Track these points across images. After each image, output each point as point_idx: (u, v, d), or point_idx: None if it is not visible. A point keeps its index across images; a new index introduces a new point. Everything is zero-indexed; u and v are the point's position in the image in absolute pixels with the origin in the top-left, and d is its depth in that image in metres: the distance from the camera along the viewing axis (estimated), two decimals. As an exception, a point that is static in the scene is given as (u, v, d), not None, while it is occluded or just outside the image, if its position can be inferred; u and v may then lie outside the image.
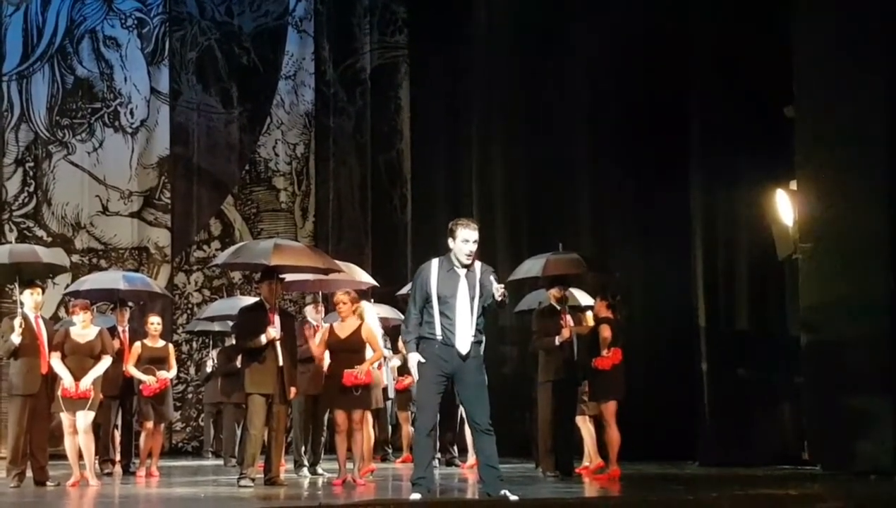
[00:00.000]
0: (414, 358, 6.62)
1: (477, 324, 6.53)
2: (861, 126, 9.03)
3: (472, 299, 6.49)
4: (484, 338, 6.63)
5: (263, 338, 8.36)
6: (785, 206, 10.04)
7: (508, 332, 13.28)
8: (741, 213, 10.61)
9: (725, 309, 10.73)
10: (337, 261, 9.85)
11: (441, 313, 6.48)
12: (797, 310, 9.68)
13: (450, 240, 6.60)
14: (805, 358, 9.44)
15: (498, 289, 6.43)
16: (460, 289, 6.49)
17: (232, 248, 9.69)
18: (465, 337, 6.48)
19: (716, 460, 10.26)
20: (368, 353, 8.79)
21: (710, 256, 10.81)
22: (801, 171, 9.54)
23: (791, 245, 9.88)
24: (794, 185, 9.81)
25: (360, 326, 8.72)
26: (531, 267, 9.72)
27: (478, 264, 6.61)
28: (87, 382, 8.86)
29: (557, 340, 9.19)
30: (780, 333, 10.42)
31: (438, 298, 6.49)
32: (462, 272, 6.54)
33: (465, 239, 6.52)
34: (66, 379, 8.83)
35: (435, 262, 6.64)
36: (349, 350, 8.65)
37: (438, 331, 6.49)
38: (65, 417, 8.92)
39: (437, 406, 6.64)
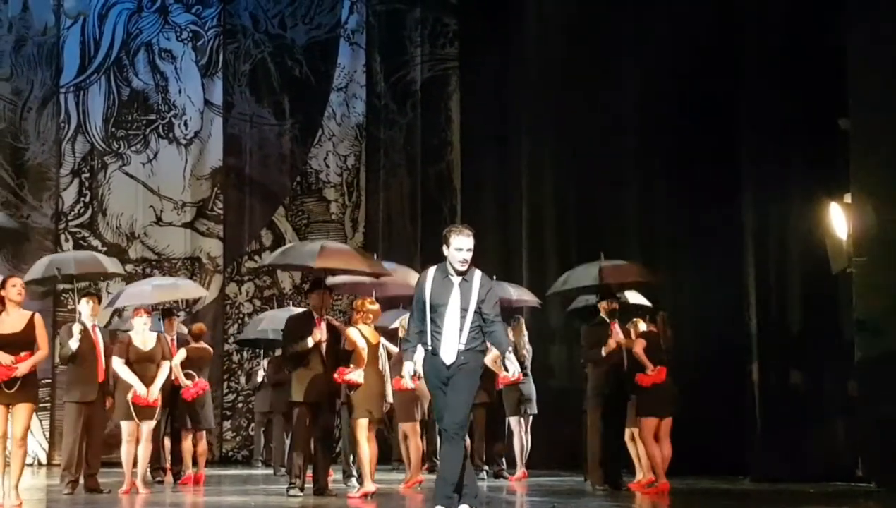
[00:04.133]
0: (408, 367, 6.46)
1: (472, 333, 6.24)
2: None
3: (463, 309, 6.23)
4: (484, 346, 6.34)
5: (310, 341, 8.36)
6: (839, 220, 9.91)
7: (556, 344, 13.24)
8: (794, 227, 10.48)
9: (778, 324, 10.60)
10: (391, 264, 9.90)
11: (432, 321, 6.26)
12: (851, 325, 9.55)
13: (444, 248, 6.34)
14: (860, 373, 9.30)
15: (511, 369, 6.29)
16: (452, 298, 6.25)
17: (280, 249, 9.81)
18: (450, 347, 6.21)
19: (767, 475, 10.13)
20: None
21: (762, 270, 10.69)
22: (855, 184, 9.41)
23: (845, 259, 9.75)
24: (848, 198, 9.68)
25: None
26: (585, 273, 9.65)
27: (477, 274, 6.34)
28: (155, 391, 9.01)
29: (604, 351, 9.15)
30: (834, 347, 10.26)
31: (431, 306, 6.27)
32: (456, 280, 6.29)
33: (458, 247, 6.26)
34: (139, 387, 8.95)
35: (432, 270, 6.42)
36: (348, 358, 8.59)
37: (428, 340, 6.29)
38: (127, 425, 9.01)
39: None
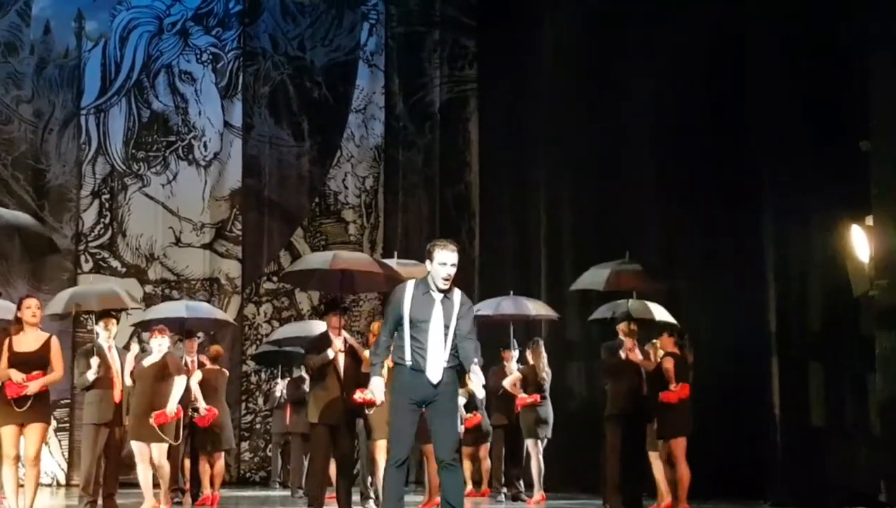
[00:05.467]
0: (376, 383, 6.36)
1: (452, 350, 6.15)
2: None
3: (446, 326, 6.12)
4: (458, 363, 6.22)
5: (330, 352, 8.34)
6: (861, 242, 9.84)
7: (575, 367, 13.18)
8: (815, 249, 10.40)
9: (798, 347, 10.52)
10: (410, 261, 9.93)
11: (412, 337, 6.12)
12: (873, 348, 9.46)
13: (427, 263, 6.20)
14: (881, 397, 9.20)
15: (476, 381, 6.14)
16: (434, 315, 6.12)
17: (293, 263, 9.84)
18: (436, 364, 6.09)
19: (788, 500, 10.03)
20: None
21: (782, 293, 10.62)
22: (877, 206, 9.34)
23: (867, 281, 9.66)
24: (870, 221, 9.61)
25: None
26: (594, 278, 9.65)
27: (457, 292, 6.24)
28: (172, 408, 8.88)
29: (622, 352, 9.09)
30: (855, 371, 10.18)
31: (411, 322, 6.13)
32: (438, 297, 6.16)
33: (442, 261, 6.12)
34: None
35: (411, 284, 6.27)
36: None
37: (408, 357, 6.13)
38: (137, 446, 8.95)
39: (412, 436, 6.22)
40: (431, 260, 6.18)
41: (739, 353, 11.15)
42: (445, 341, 6.12)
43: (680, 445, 8.96)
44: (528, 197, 14.66)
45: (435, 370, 6.10)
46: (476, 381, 6.17)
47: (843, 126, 9.97)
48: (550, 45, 14.33)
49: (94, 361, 8.77)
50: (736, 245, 11.25)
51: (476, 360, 6.24)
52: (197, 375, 10.23)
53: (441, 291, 6.16)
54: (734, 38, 11.33)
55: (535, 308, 11.78)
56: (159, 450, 8.97)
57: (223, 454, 10.63)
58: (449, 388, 6.16)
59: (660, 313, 10.24)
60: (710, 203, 11.71)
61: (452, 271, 6.16)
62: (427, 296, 6.17)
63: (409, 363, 6.13)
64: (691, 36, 11.92)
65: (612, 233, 12.74)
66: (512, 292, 11.99)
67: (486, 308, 11.57)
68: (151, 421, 8.82)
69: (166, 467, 9.15)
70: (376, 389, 6.38)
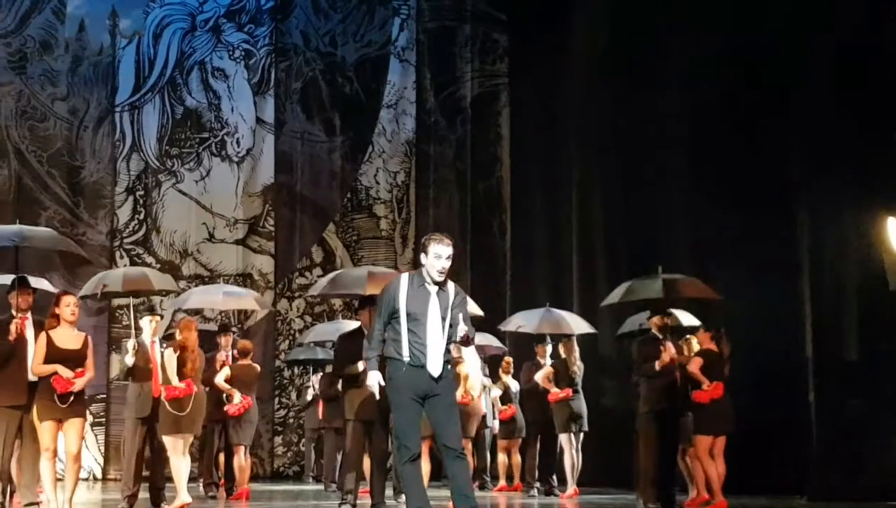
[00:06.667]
0: (374, 378, 6.32)
1: (448, 343, 6.17)
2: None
3: (443, 319, 6.13)
4: (451, 356, 6.26)
5: (360, 365, 8.39)
6: (896, 234, 9.77)
7: (608, 361, 13.15)
8: (850, 242, 10.33)
9: (834, 341, 10.45)
10: None
11: (410, 331, 6.11)
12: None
13: (422, 256, 6.24)
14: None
15: (462, 330, 6.12)
16: (431, 307, 6.13)
17: (327, 277, 9.89)
18: (436, 358, 6.11)
19: (825, 494, 9.97)
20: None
21: (817, 286, 10.55)
22: (913, 198, 9.28)
23: (903, 274, 9.60)
24: (906, 213, 9.54)
25: None
26: (647, 288, 9.52)
27: (451, 285, 6.27)
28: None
29: (657, 365, 9.06)
30: (892, 365, 10.10)
31: (408, 315, 6.13)
32: (433, 290, 6.17)
33: (437, 254, 6.15)
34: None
35: (405, 277, 6.28)
36: None
37: (406, 351, 6.12)
38: (170, 439, 9.00)
39: (419, 429, 6.23)
40: (426, 254, 6.21)
41: (775, 348, 11.08)
42: (443, 334, 6.15)
43: (702, 443, 8.92)
44: (559, 191, 14.64)
45: (435, 363, 6.12)
46: (461, 331, 6.10)
47: (877, 117, 9.90)
48: (582, 39, 14.29)
49: (130, 344, 8.83)
50: (771, 239, 11.17)
51: (463, 315, 6.20)
52: (224, 372, 10.29)
53: (436, 284, 6.20)
54: (768, 33, 11.26)
55: (574, 323, 11.66)
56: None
57: (245, 448, 10.64)
58: (448, 381, 6.22)
59: (687, 319, 10.19)
60: (743, 197, 11.63)
61: (447, 264, 6.20)
62: (422, 289, 6.19)
63: (407, 359, 6.13)
64: (726, 31, 11.85)
65: (644, 227, 12.71)
66: (548, 303, 11.94)
67: (528, 325, 11.56)
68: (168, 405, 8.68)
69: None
70: (373, 384, 6.36)
